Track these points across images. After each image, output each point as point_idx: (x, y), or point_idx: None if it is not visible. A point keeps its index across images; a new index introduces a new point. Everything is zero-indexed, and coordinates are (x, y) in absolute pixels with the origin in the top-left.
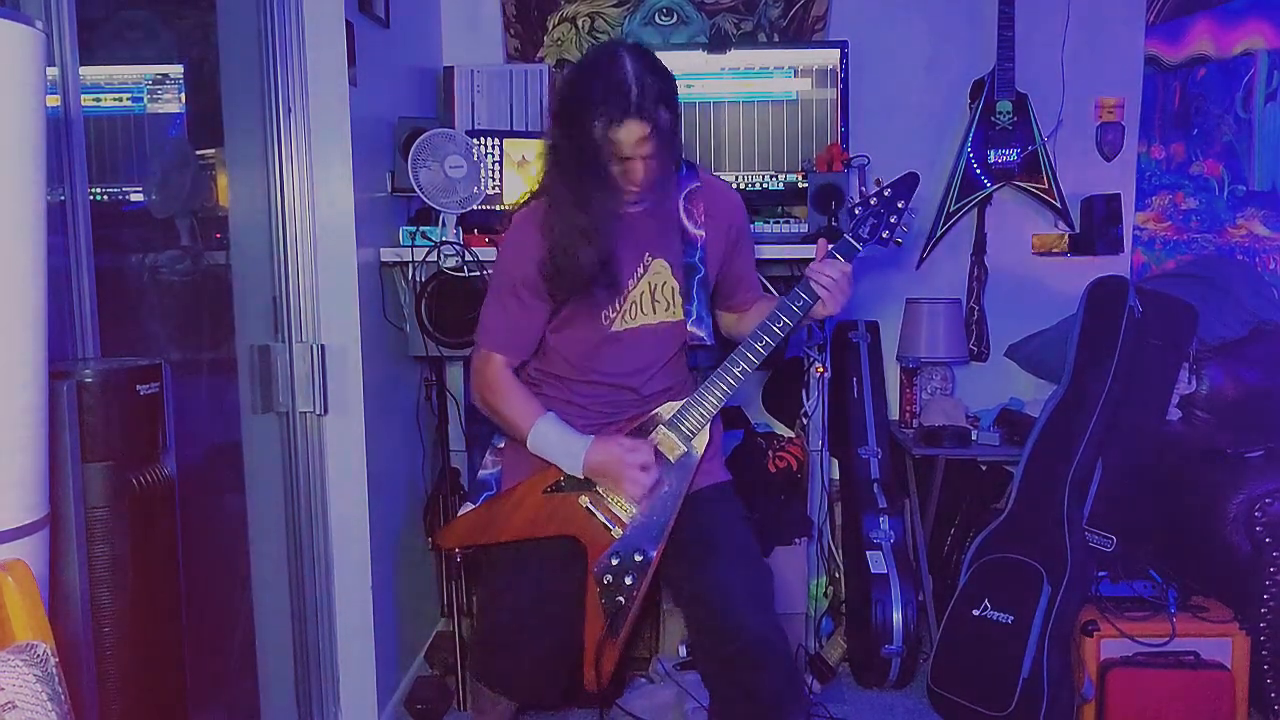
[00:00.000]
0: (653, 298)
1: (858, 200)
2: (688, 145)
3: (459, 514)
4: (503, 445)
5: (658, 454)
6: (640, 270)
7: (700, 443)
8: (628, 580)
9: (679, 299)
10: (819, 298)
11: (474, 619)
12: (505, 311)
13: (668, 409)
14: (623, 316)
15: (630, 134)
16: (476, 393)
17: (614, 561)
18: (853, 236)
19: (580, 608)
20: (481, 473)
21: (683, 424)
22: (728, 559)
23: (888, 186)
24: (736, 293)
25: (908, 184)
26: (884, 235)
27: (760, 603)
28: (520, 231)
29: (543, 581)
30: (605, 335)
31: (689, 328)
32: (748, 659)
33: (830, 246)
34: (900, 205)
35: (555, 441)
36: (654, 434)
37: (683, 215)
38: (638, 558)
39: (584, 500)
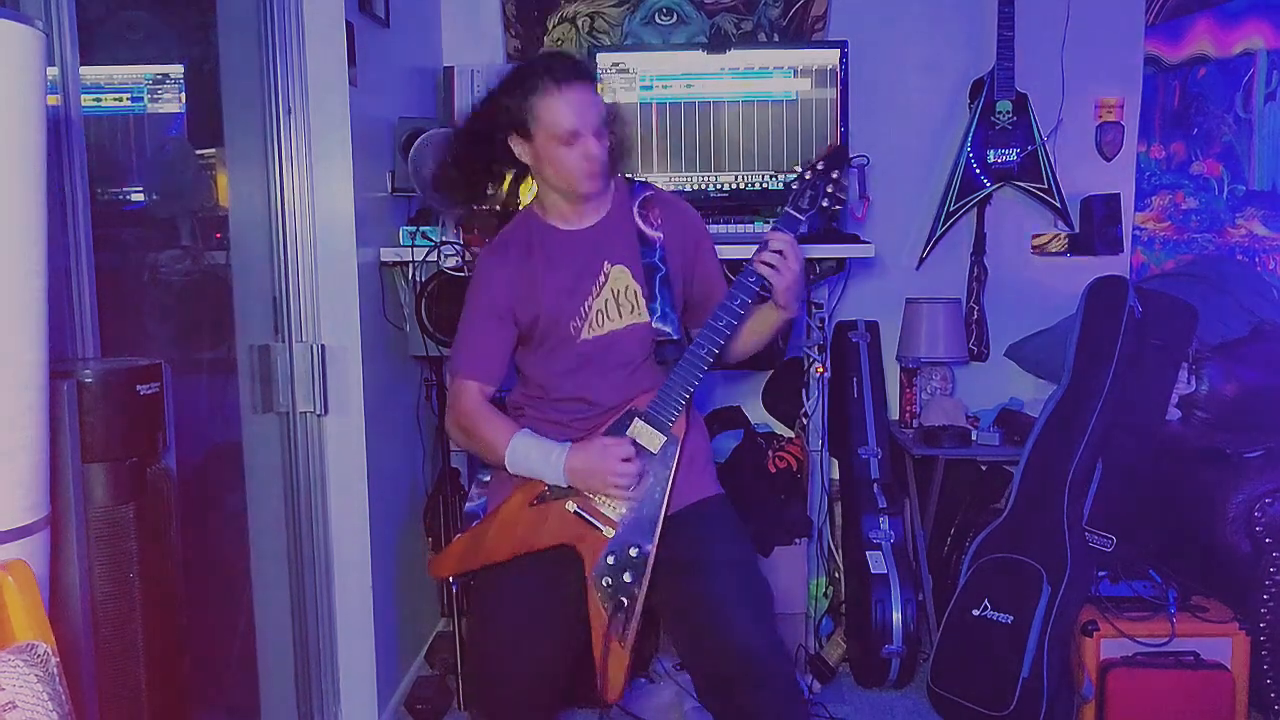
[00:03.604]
0: (617, 303)
1: (793, 179)
2: (689, 144)
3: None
4: (488, 480)
5: (638, 447)
6: (601, 279)
7: (679, 430)
8: (627, 578)
9: (642, 301)
10: (769, 268)
11: (466, 641)
12: (476, 339)
13: (640, 401)
14: (589, 325)
15: (581, 99)
16: (452, 424)
17: (610, 561)
18: (793, 208)
19: (577, 622)
20: (468, 505)
21: (658, 413)
22: (722, 574)
23: (819, 160)
24: (709, 299)
25: (837, 156)
26: (823, 204)
27: (759, 617)
28: (484, 262)
29: (536, 599)
30: (575, 347)
31: (654, 324)
32: (747, 677)
33: (774, 221)
34: (834, 175)
35: (533, 454)
36: (631, 426)
37: (639, 220)
38: (634, 553)
39: (571, 505)
